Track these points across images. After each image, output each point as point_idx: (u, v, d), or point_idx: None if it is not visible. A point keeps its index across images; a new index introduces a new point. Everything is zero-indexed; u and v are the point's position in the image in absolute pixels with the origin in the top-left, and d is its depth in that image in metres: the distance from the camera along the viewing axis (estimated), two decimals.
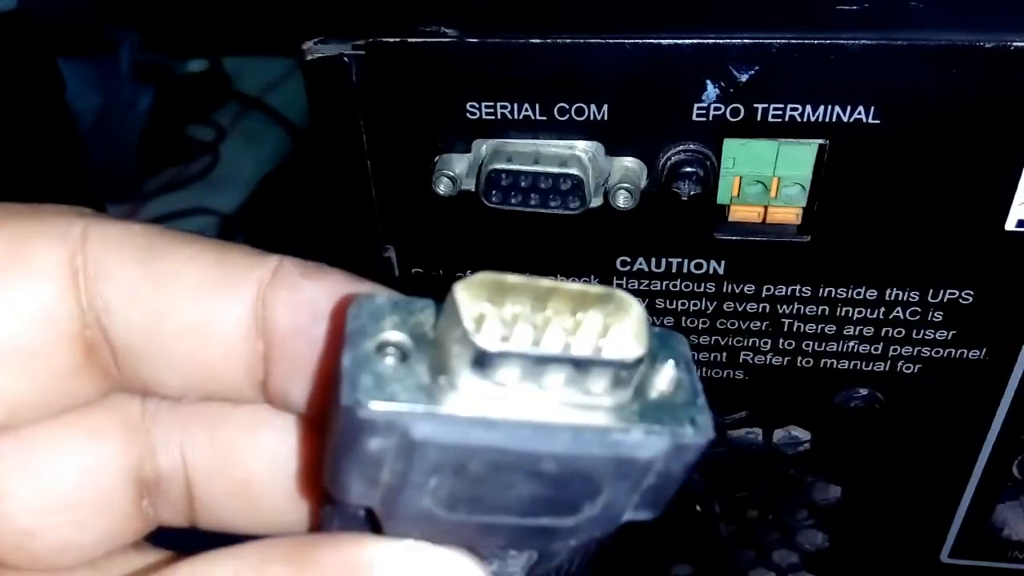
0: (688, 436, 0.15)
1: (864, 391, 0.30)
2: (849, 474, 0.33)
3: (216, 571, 0.16)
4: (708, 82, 0.24)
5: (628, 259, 0.28)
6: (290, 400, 0.19)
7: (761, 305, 0.29)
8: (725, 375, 0.30)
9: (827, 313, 0.28)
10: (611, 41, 0.24)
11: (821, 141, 0.25)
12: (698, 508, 0.35)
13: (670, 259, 0.28)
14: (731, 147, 0.25)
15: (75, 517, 0.20)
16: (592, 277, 0.29)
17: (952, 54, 0.23)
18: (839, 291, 0.28)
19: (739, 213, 0.27)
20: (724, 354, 0.30)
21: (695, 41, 0.24)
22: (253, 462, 0.20)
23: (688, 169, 0.25)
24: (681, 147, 0.25)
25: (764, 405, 0.31)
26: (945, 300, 0.28)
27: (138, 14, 0.98)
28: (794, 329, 0.29)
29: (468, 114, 0.25)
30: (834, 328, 0.29)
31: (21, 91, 0.73)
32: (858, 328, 0.29)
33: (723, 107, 0.24)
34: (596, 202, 0.26)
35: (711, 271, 0.28)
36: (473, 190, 0.26)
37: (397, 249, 0.28)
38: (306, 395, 0.19)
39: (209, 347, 0.19)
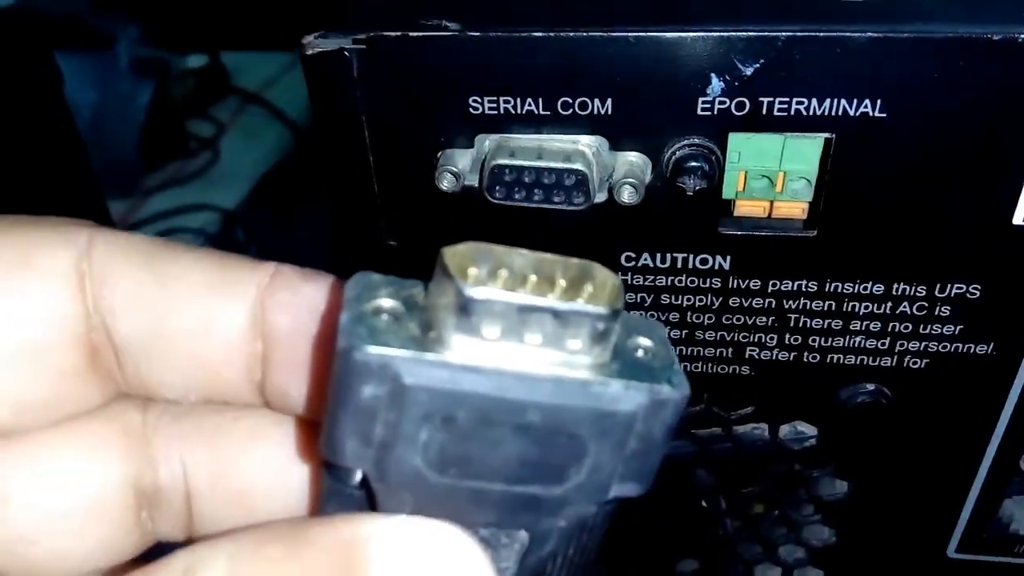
0: (665, 391, 0.16)
1: (871, 386, 0.30)
2: (856, 469, 0.33)
3: (213, 555, 0.16)
4: (713, 76, 0.24)
5: (633, 254, 0.28)
6: (288, 400, 0.20)
7: (767, 300, 0.28)
8: (731, 370, 0.30)
9: (834, 308, 0.28)
10: (615, 35, 0.24)
11: (827, 135, 0.25)
12: (704, 504, 0.35)
13: (675, 254, 0.28)
14: (736, 141, 0.25)
15: (74, 525, 0.20)
16: None
17: (959, 47, 0.23)
18: (846, 286, 0.28)
19: (745, 208, 0.26)
20: (730, 349, 0.30)
21: (700, 34, 0.23)
22: (253, 472, 0.20)
23: (693, 164, 0.25)
24: (686, 141, 0.25)
25: (770, 400, 0.31)
26: (952, 294, 0.27)
27: (136, 9, 0.98)
28: (800, 324, 0.29)
29: (471, 109, 0.25)
30: (840, 323, 0.29)
31: (19, 87, 0.73)
32: (865, 323, 0.28)
33: (728, 101, 0.24)
34: (600, 197, 0.26)
35: (716, 266, 0.28)
36: (476, 186, 0.26)
37: (400, 245, 0.28)
38: (304, 396, 0.19)
39: (210, 348, 0.19)
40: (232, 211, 0.95)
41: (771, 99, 0.24)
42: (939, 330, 0.28)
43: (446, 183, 0.26)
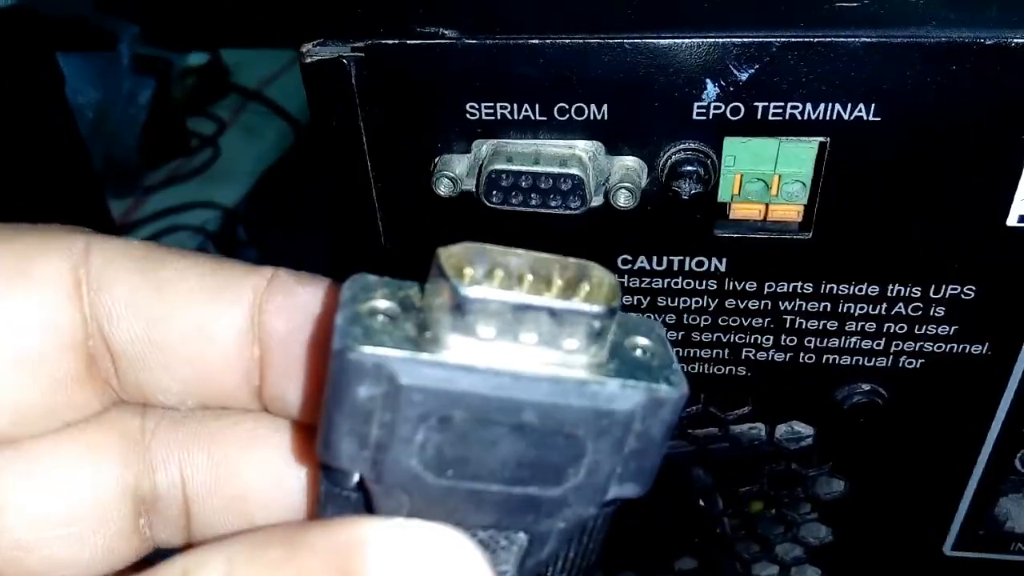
0: (664, 390, 0.16)
1: (866, 386, 0.30)
2: (852, 469, 0.33)
3: (211, 559, 0.16)
4: (708, 81, 0.24)
5: (629, 257, 0.28)
6: (286, 404, 0.20)
7: (763, 302, 0.29)
8: (728, 371, 0.30)
9: (829, 309, 0.28)
10: (611, 41, 0.24)
11: (822, 139, 0.25)
12: (701, 503, 0.35)
13: (671, 257, 0.28)
14: (732, 145, 0.25)
15: (72, 532, 0.20)
16: None
17: (952, 51, 0.23)
18: (841, 287, 0.28)
19: (740, 211, 0.27)
20: (726, 350, 0.30)
21: (695, 40, 0.23)
22: (250, 476, 0.20)
23: (689, 168, 0.25)
24: (681, 146, 0.25)
25: (767, 401, 0.31)
26: (947, 295, 0.28)
27: (137, 8, 0.98)
28: (796, 325, 0.29)
29: (468, 115, 0.25)
30: (836, 324, 0.29)
31: (21, 88, 0.73)
32: (860, 324, 0.29)
33: (723, 106, 0.24)
34: (597, 202, 0.26)
35: (713, 269, 0.28)
36: (473, 191, 0.26)
37: (398, 250, 0.28)
38: (302, 399, 0.20)
39: (207, 352, 0.19)
40: (233, 208, 0.95)
41: (766, 104, 0.24)
42: (934, 330, 0.29)
43: (443, 188, 0.26)
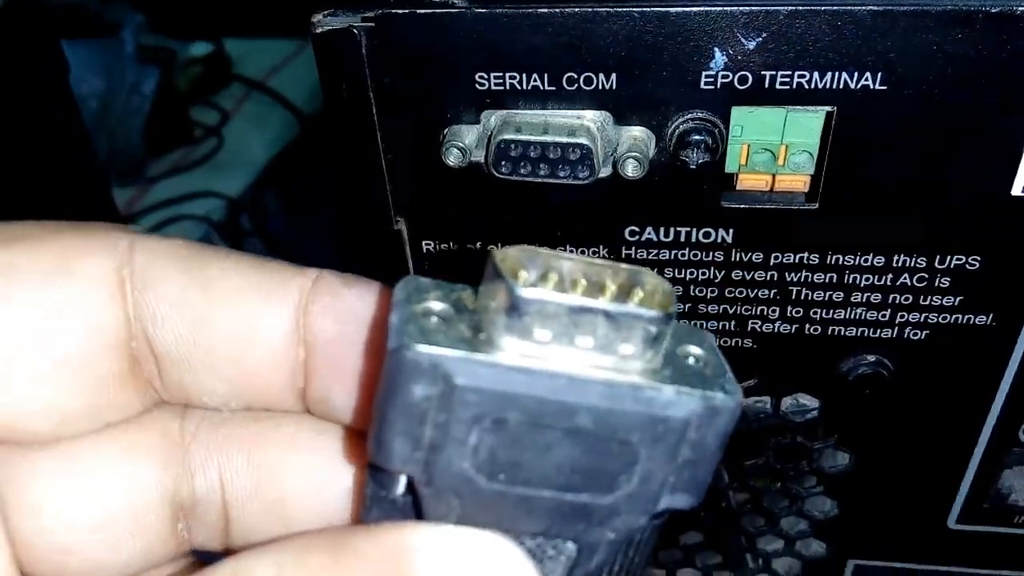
0: (719, 399, 0.16)
1: (872, 358, 0.30)
2: (857, 441, 0.33)
3: (258, 564, 0.16)
4: (716, 50, 0.24)
5: (636, 228, 0.28)
6: (331, 407, 0.20)
7: (769, 273, 0.29)
8: (733, 343, 0.31)
9: (835, 280, 0.29)
10: (619, 10, 0.24)
11: (829, 108, 0.25)
12: None
13: (678, 228, 0.28)
14: (739, 115, 0.25)
15: (111, 535, 0.20)
16: (601, 247, 0.29)
17: (958, 19, 0.23)
18: (847, 258, 0.28)
19: (747, 181, 0.27)
20: (732, 322, 0.30)
21: (703, 8, 0.24)
22: (290, 480, 0.20)
23: (696, 137, 0.25)
24: (689, 115, 0.25)
25: (772, 373, 0.31)
26: (952, 266, 0.28)
27: None
28: (802, 297, 0.29)
29: (477, 85, 0.26)
30: (842, 295, 0.29)
31: (26, 77, 0.73)
32: (866, 295, 0.29)
33: (731, 75, 0.25)
34: (605, 172, 0.26)
35: (719, 240, 0.28)
36: (482, 161, 0.26)
37: (408, 222, 0.29)
38: (347, 402, 0.19)
39: (252, 353, 0.19)
40: (237, 198, 0.95)
41: (773, 72, 0.24)
42: (939, 301, 0.29)
43: (452, 159, 0.26)
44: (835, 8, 0.23)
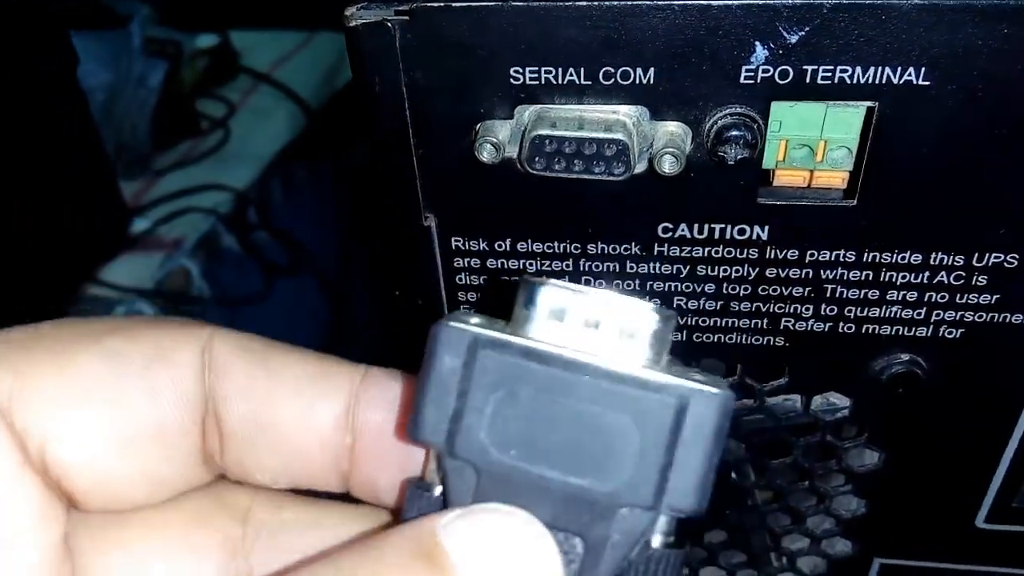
0: (710, 389, 0.18)
1: (905, 356, 0.30)
2: (887, 440, 0.33)
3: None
4: (757, 43, 0.24)
5: (670, 225, 0.28)
6: (375, 489, 0.22)
7: (804, 270, 0.28)
8: (765, 341, 0.30)
9: (871, 278, 0.28)
10: (659, 3, 0.24)
11: (870, 104, 0.25)
12: (733, 475, 0.35)
13: (713, 225, 0.28)
14: (779, 110, 0.25)
15: None
16: (633, 244, 0.28)
17: (1004, 14, 0.23)
18: (883, 255, 0.28)
19: (784, 177, 0.26)
20: (765, 320, 0.30)
21: (746, 2, 0.23)
22: None
23: (735, 133, 0.25)
24: (728, 110, 0.25)
25: (804, 371, 0.31)
26: (990, 264, 0.28)
27: None
28: (837, 294, 0.29)
29: (512, 79, 0.25)
30: (877, 293, 0.29)
31: (36, 69, 0.73)
32: (901, 293, 0.28)
33: (772, 69, 0.24)
34: (641, 167, 0.26)
35: (754, 236, 0.28)
36: (516, 157, 0.26)
37: (438, 218, 0.28)
38: (387, 484, 0.22)
39: (307, 436, 0.22)
40: (243, 190, 0.95)
41: (815, 67, 0.24)
42: (975, 300, 0.28)
43: (486, 154, 0.26)
44: (880, 2, 0.23)
